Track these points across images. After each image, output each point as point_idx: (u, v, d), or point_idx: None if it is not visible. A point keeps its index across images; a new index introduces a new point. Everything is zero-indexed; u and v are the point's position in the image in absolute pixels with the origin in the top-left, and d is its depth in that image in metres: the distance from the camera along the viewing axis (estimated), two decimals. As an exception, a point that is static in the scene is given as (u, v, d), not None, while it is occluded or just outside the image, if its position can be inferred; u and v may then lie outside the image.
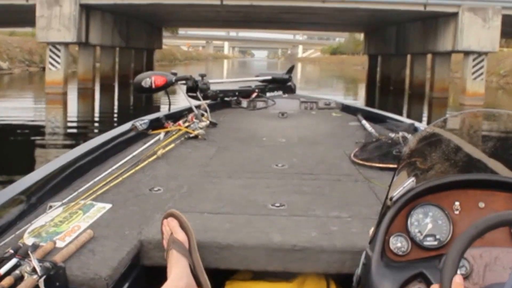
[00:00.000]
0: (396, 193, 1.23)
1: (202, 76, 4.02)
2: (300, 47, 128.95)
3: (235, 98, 4.55)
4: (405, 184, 1.24)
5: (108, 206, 1.86)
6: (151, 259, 1.60)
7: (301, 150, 2.96)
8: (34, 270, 1.30)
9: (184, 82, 3.74)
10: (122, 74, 21.49)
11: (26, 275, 1.30)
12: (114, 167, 2.32)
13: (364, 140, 3.00)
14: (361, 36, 57.25)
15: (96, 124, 11.17)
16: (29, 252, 1.34)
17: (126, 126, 3.07)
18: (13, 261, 1.33)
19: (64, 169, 2.15)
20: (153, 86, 3.44)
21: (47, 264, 1.33)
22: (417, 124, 3.21)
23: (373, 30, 24.55)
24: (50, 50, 15.30)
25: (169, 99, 3.70)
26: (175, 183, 2.20)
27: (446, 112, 14.34)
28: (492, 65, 23.05)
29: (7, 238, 1.55)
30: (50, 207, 1.81)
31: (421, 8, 15.15)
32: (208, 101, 4.06)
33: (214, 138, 3.19)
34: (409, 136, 2.72)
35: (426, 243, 1.21)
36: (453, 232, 1.21)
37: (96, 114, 13.20)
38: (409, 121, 3.43)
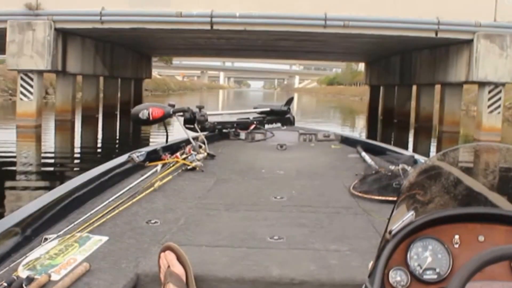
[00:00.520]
0: (395, 226, 1.20)
1: (200, 108, 4.00)
2: (297, 78, 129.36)
3: (233, 130, 4.57)
4: (404, 217, 1.21)
5: (104, 238, 1.87)
6: None
7: (300, 182, 2.96)
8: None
9: (181, 114, 3.76)
10: (107, 104, 20.44)
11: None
12: (110, 199, 2.33)
13: (364, 172, 3.02)
14: (358, 67, 56.85)
15: (76, 161, 9.84)
16: (23, 285, 1.41)
17: (123, 158, 3.06)
18: (5, 296, 1.35)
19: (60, 200, 2.15)
20: (151, 118, 3.46)
21: (39, 301, 1.36)
22: (417, 156, 3.22)
23: (375, 59, 23.32)
24: (22, 79, 13.68)
25: (166, 131, 3.77)
26: (173, 216, 2.21)
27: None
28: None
29: (1, 271, 1.56)
30: (46, 239, 1.82)
31: (432, 35, 13.71)
32: (206, 133, 4.06)
33: (212, 170, 3.19)
34: (409, 168, 2.73)
35: (425, 277, 1.17)
36: (453, 265, 1.18)
37: (76, 149, 11.76)
38: (409, 153, 3.46)
